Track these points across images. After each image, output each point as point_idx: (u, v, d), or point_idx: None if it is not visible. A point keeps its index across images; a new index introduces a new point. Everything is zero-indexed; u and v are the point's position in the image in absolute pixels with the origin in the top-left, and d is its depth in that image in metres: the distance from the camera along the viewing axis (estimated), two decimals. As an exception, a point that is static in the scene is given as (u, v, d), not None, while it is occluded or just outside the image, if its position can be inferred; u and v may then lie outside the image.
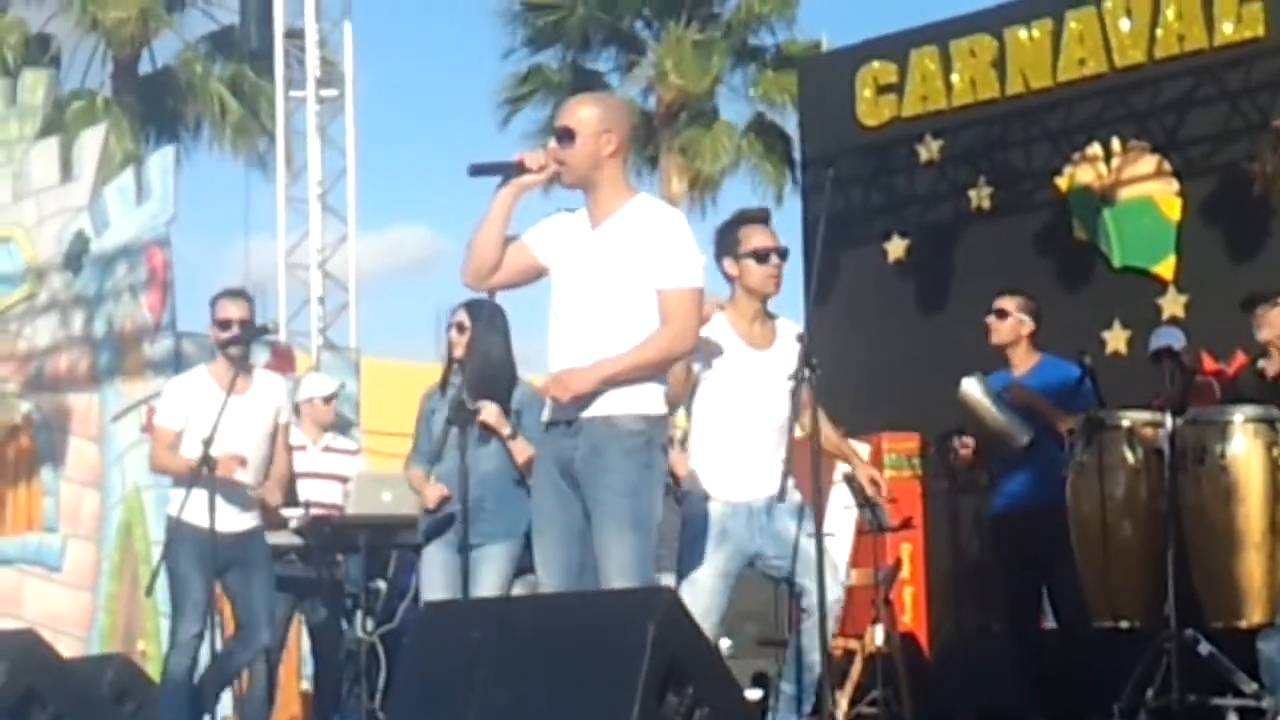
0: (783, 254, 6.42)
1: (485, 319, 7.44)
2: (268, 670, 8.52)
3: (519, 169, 5.46)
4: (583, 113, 5.53)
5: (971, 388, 7.88)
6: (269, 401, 8.01)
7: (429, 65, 41.45)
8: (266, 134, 19.78)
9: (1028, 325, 8.04)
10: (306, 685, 9.50)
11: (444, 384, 7.71)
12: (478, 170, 5.50)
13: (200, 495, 7.45)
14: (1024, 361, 8.02)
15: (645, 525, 5.38)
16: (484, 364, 7.28)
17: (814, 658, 6.22)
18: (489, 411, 7.37)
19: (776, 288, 6.42)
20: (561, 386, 5.37)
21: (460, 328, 7.60)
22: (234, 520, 7.80)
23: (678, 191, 22.16)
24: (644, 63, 22.36)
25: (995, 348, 8.05)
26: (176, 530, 7.64)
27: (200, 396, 7.81)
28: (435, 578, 7.54)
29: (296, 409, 9.30)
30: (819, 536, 6.08)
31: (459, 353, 7.59)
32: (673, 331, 5.42)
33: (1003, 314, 8.04)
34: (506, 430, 7.43)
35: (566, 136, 5.47)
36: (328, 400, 9.48)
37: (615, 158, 5.51)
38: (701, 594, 6.20)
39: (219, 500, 7.57)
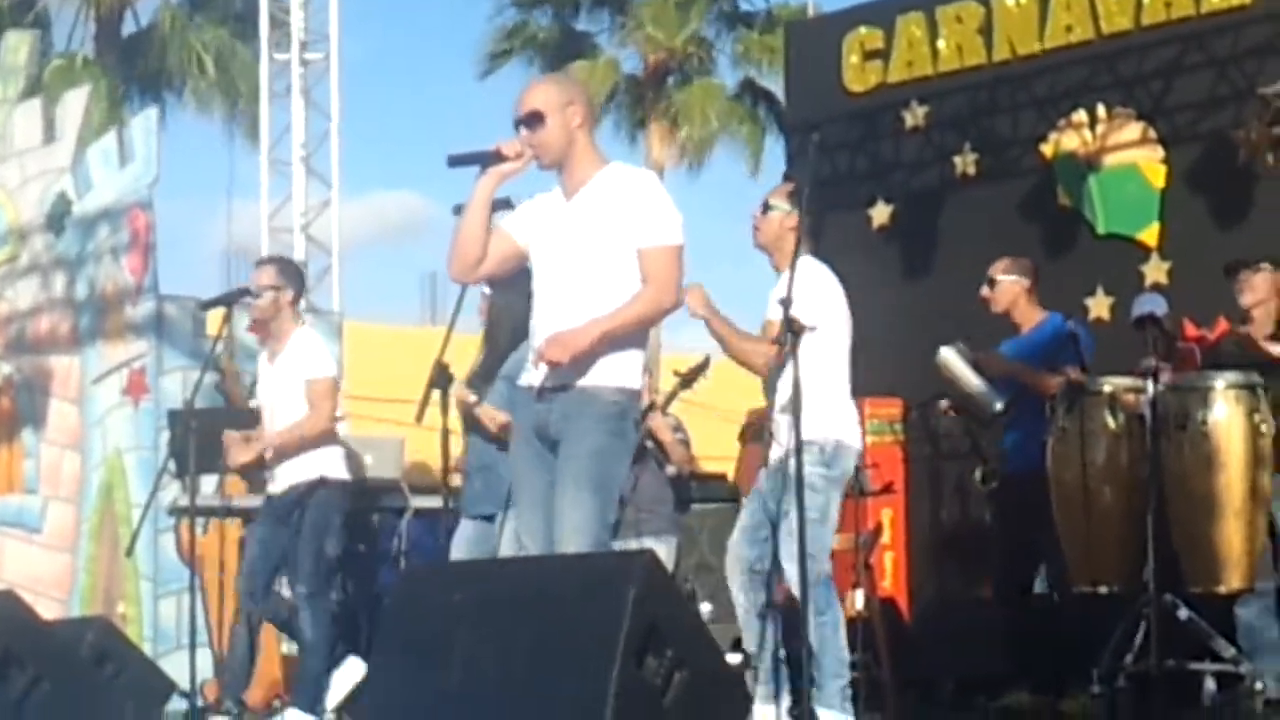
0: (764, 207, 6.75)
1: (507, 285, 7.42)
2: (249, 634, 8.54)
3: (497, 157, 5.48)
4: (542, 93, 5.58)
5: (949, 356, 7.90)
6: (294, 362, 8.06)
7: (418, 30, 41.37)
8: (247, 97, 19.72)
9: (1022, 283, 8.05)
10: (288, 649, 9.49)
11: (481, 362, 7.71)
12: (456, 161, 5.52)
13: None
14: (1028, 319, 8.02)
15: (606, 489, 5.42)
16: (508, 326, 7.27)
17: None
18: (458, 391, 7.37)
19: (756, 237, 6.70)
20: (560, 347, 5.36)
21: (483, 295, 7.61)
22: (279, 483, 8.07)
23: (664, 156, 22.14)
24: (630, 24, 22.32)
25: (1000, 316, 8.06)
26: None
27: (260, 370, 8.42)
28: (459, 544, 7.52)
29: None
30: (800, 503, 6.04)
31: (483, 320, 7.62)
32: (657, 287, 5.46)
33: (993, 283, 8.07)
34: (472, 398, 7.39)
35: (535, 120, 5.50)
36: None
37: (583, 129, 5.55)
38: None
39: (275, 466, 8.04)
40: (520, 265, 5.70)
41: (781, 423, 6.27)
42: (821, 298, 6.64)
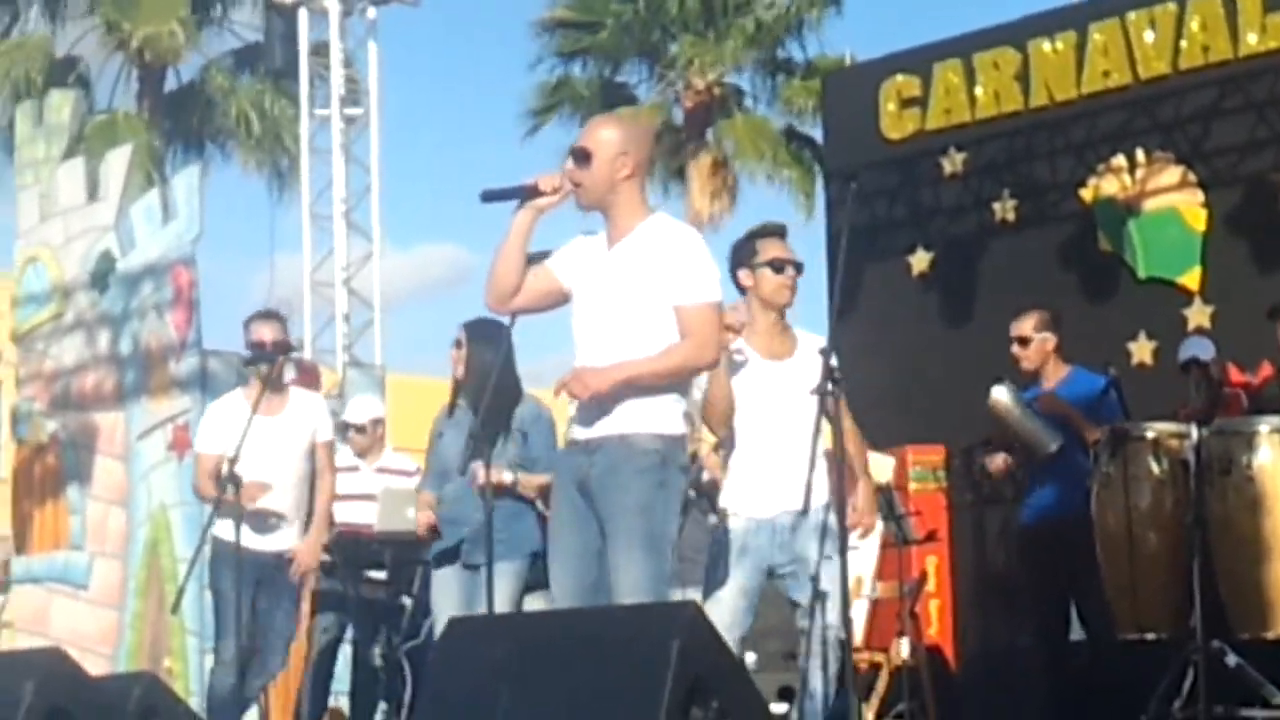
0: (797, 267, 6.46)
1: (481, 337, 7.46)
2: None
3: (533, 192, 5.47)
4: (602, 134, 5.54)
5: (1001, 395, 7.89)
6: (303, 421, 8.05)
7: (458, 84, 41.60)
8: (289, 153, 19.86)
9: (1051, 340, 8.05)
10: (335, 702, 9.52)
11: (451, 406, 7.73)
12: (490, 196, 5.51)
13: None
14: (1054, 375, 8.02)
15: (658, 544, 5.39)
16: (481, 382, 7.29)
17: (815, 684, 6.20)
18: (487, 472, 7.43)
19: (790, 298, 6.45)
20: (580, 384, 5.38)
21: (458, 345, 7.62)
22: (267, 541, 7.87)
23: (705, 205, 22.13)
24: (670, 74, 22.39)
25: (1028, 373, 8.04)
26: (218, 550, 7.70)
27: (235, 420, 7.83)
28: (446, 599, 7.54)
29: (346, 429, 9.37)
30: (843, 554, 6.03)
31: (459, 371, 7.62)
32: (695, 343, 5.44)
33: (1025, 341, 8.05)
34: (509, 479, 7.43)
35: (583, 158, 5.49)
36: (360, 430, 9.49)
37: (631, 180, 5.52)
38: (724, 611, 6.19)
39: (250, 521, 7.70)
40: (559, 304, 5.66)
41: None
42: None
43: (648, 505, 5.38)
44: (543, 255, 5.69)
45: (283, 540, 8.00)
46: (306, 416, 8.09)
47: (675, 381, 5.50)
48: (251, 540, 7.77)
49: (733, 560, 6.28)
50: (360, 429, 9.49)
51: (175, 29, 20.38)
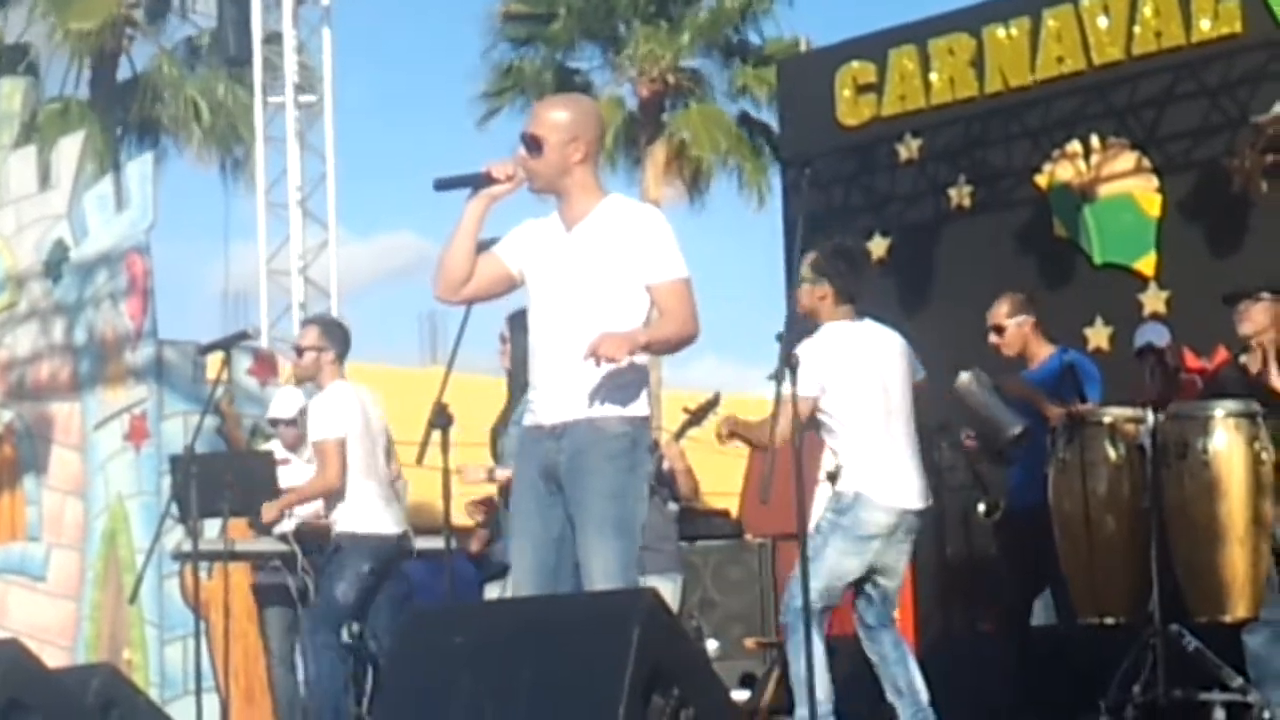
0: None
1: (523, 327, 7.43)
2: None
3: (486, 179, 5.45)
4: (551, 117, 5.51)
5: (967, 379, 7.90)
6: (311, 420, 8.35)
7: (413, 71, 41.45)
8: (243, 141, 19.79)
9: (1028, 322, 8.07)
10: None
11: (509, 402, 7.74)
12: (443, 185, 5.49)
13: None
14: (1038, 355, 8.02)
15: (629, 528, 5.38)
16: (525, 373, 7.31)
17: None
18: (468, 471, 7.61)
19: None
20: (614, 345, 5.28)
21: (502, 340, 7.63)
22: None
23: (660, 192, 22.14)
24: (623, 58, 22.38)
25: (1011, 360, 8.06)
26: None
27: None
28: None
29: (275, 424, 9.45)
30: (802, 539, 6.07)
31: (506, 364, 7.65)
32: (681, 318, 5.45)
33: (1000, 329, 8.06)
34: (487, 474, 7.61)
35: (534, 145, 5.47)
36: (288, 423, 9.54)
37: (585, 163, 5.51)
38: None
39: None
40: (509, 290, 5.67)
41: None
42: (817, 366, 6.68)
43: (618, 490, 5.37)
44: (489, 242, 5.65)
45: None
46: (312, 415, 8.51)
47: (671, 352, 5.65)
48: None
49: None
50: (289, 422, 9.51)
51: (109, 24, 20.31)
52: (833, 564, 6.86)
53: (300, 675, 8.61)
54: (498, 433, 7.78)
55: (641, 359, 5.50)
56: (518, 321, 7.46)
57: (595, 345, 5.29)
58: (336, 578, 8.21)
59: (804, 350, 6.21)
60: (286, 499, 8.50)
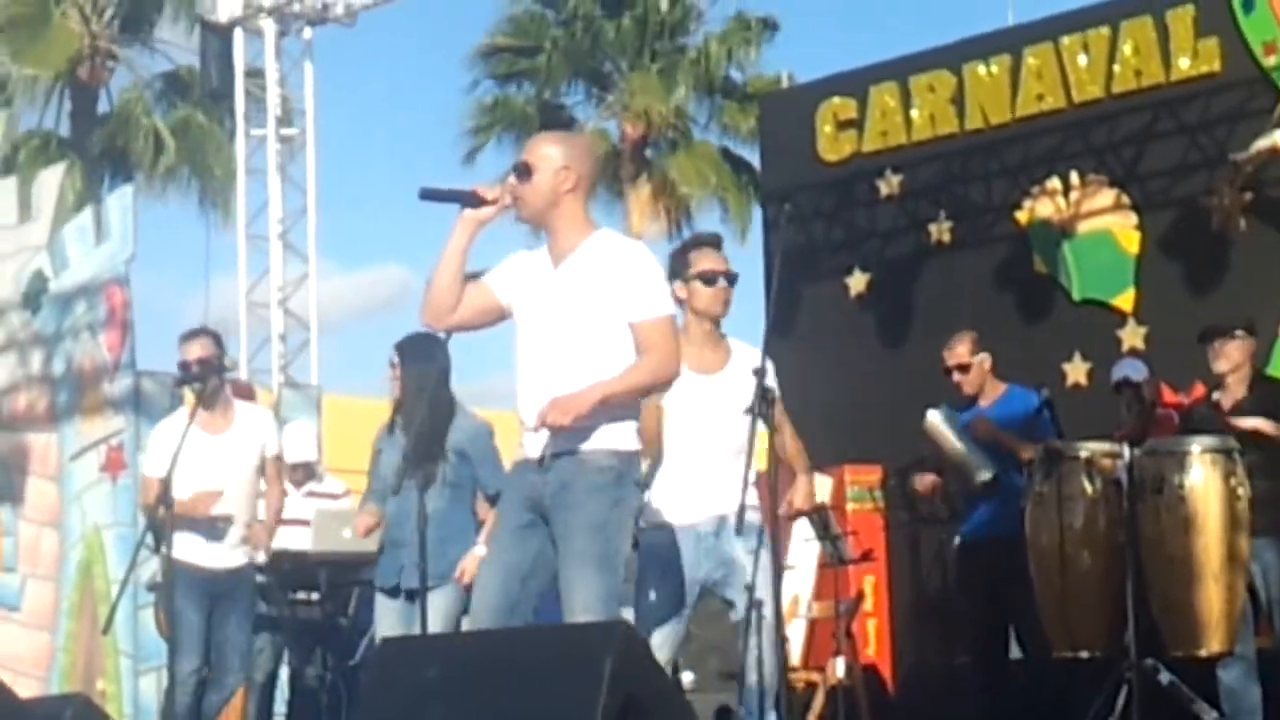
0: (730, 278, 6.46)
1: (413, 355, 7.45)
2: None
3: (472, 199, 5.39)
4: (544, 149, 5.48)
5: (936, 419, 7.90)
6: (251, 437, 8.01)
7: (396, 105, 41.50)
8: (222, 174, 19.84)
9: (988, 360, 8.08)
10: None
11: (391, 424, 7.71)
12: (429, 195, 5.41)
13: (189, 534, 7.66)
14: (991, 394, 8.04)
15: (611, 562, 5.34)
16: (414, 401, 7.29)
17: (750, 677, 6.20)
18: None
19: (724, 310, 6.45)
20: (561, 411, 5.26)
21: (392, 365, 7.60)
22: (220, 557, 7.89)
23: (644, 227, 22.19)
24: (610, 99, 22.45)
25: (968, 397, 8.05)
26: (170, 569, 7.65)
27: (177, 440, 7.70)
28: (386, 621, 7.52)
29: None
30: (777, 581, 6.04)
31: (396, 390, 7.61)
32: (657, 358, 5.38)
33: (965, 367, 8.04)
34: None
35: (525, 172, 5.42)
36: (293, 468, 9.45)
37: (574, 194, 5.46)
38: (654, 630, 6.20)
39: (202, 538, 7.80)
40: (497, 321, 5.60)
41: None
42: None
43: (602, 524, 5.32)
44: (479, 273, 5.63)
45: (236, 557, 7.97)
46: (254, 432, 8.05)
47: (644, 396, 5.48)
48: (204, 557, 7.84)
49: (658, 575, 6.27)
50: (294, 468, 9.46)
51: (76, 61, 20.37)
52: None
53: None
54: (375, 454, 7.76)
55: None
56: (407, 349, 7.48)
57: (543, 412, 5.30)
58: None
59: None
60: (271, 525, 8.18)
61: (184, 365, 7.98)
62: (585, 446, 5.35)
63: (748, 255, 21.96)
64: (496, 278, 5.54)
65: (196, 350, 7.99)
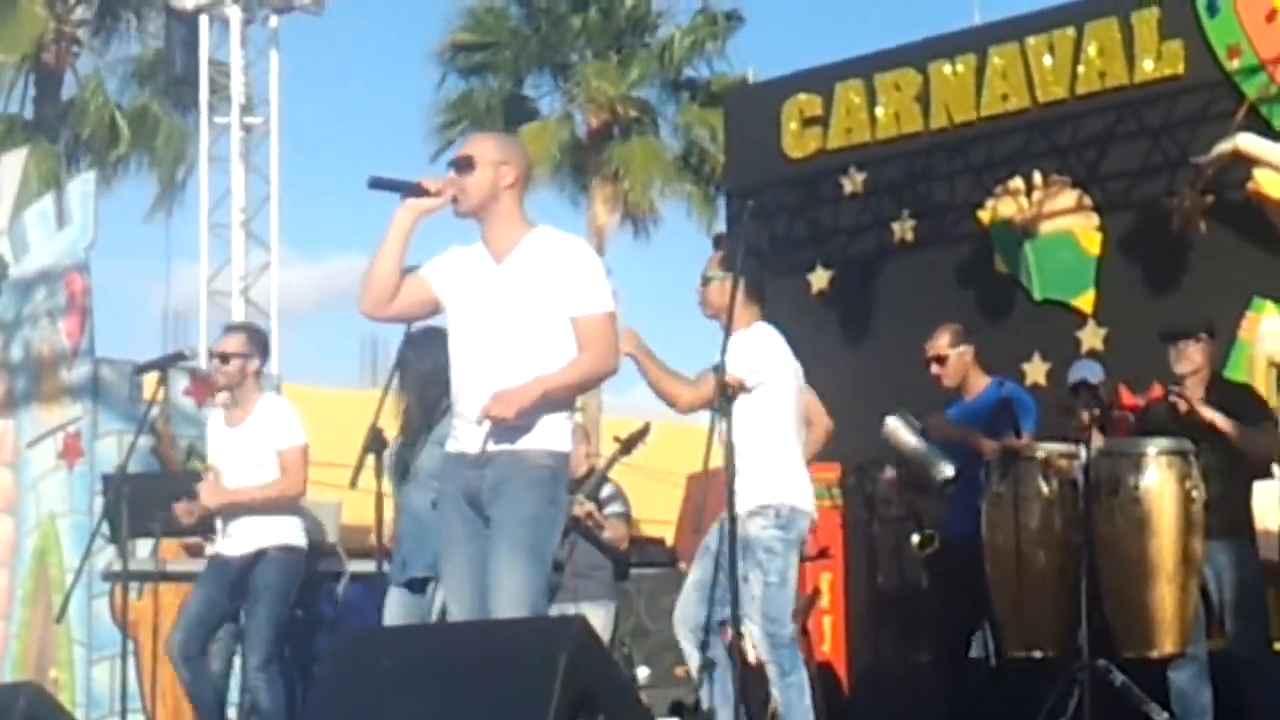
0: (705, 280, 6.81)
1: (427, 347, 7.42)
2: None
3: (417, 190, 5.48)
4: (481, 145, 5.63)
5: (894, 424, 7.90)
6: (262, 430, 8.04)
7: (362, 93, 41.44)
8: (185, 160, 19.77)
9: (969, 353, 8.05)
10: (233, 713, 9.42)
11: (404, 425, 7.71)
12: (377, 183, 5.50)
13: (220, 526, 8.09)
14: (975, 387, 8.02)
15: (540, 556, 5.43)
16: (422, 391, 7.30)
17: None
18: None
19: (706, 310, 6.82)
20: (504, 405, 5.32)
21: (399, 360, 7.58)
22: (237, 545, 8.06)
23: (608, 220, 22.21)
24: (575, 90, 22.45)
25: (950, 390, 8.04)
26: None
27: (211, 433, 8.31)
28: (391, 613, 7.50)
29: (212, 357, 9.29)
30: (732, 572, 6.06)
31: (397, 386, 7.59)
32: (595, 354, 5.47)
33: (942, 359, 8.02)
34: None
35: (465, 165, 5.52)
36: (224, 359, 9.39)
37: (513, 190, 5.55)
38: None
39: (231, 526, 8.06)
40: (433, 313, 5.69)
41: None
42: (767, 359, 6.71)
43: (536, 518, 5.41)
44: (414, 267, 5.67)
45: (247, 544, 8.07)
46: (265, 425, 8.12)
47: (583, 391, 5.62)
48: (231, 548, 8.06)
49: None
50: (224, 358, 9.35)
51: (42, 46, 20.30)
52: (793, 583, 6.86)
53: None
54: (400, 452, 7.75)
55: None
56: (405, 343, 7.46)
57: (487, 408, 5.35)
58: (285, 597, 8.09)
59: (742, 340, 6.34)
60: (236, 494, 8.06)
61: (221, 357, 8.15)
62: (522, 445, 5.43)
63: (710, 251, 21.97)
64: (433, 271, 5.62)
65: (228, 345, 8.17)
